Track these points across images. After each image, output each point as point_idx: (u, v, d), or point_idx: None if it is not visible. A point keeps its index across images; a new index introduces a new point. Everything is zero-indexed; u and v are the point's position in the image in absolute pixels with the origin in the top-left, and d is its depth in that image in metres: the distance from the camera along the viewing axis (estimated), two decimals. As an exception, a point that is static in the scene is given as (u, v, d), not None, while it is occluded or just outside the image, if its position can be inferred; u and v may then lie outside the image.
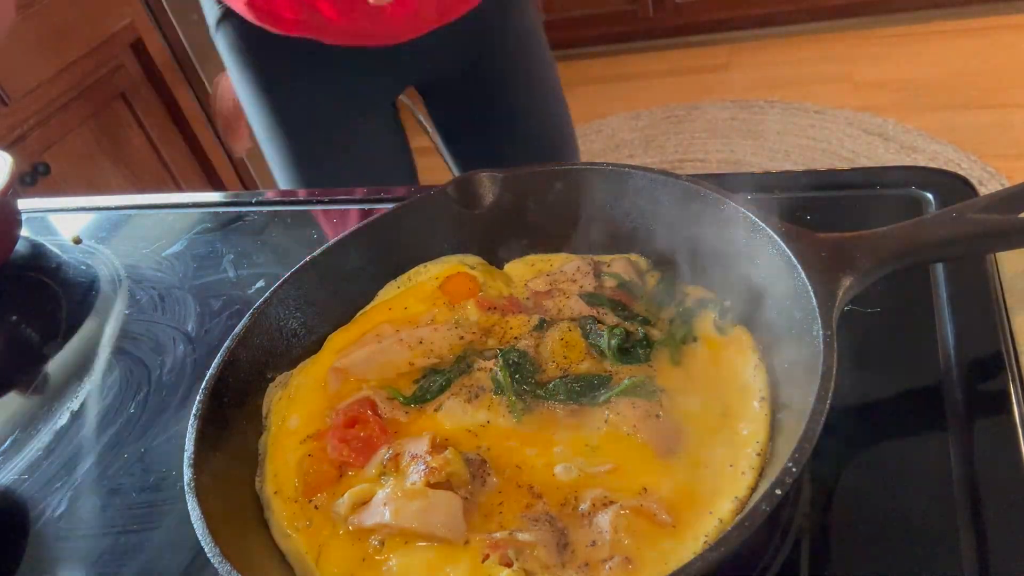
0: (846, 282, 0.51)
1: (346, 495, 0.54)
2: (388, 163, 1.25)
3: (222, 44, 1.14)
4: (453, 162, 1.33)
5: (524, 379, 0.60)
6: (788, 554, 0.49)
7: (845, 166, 2.30)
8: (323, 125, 1.16)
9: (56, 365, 0.86)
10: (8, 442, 0.76)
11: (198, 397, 0.56)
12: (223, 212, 1.02)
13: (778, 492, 0.41)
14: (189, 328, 0.84)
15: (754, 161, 2.64)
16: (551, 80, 1.26)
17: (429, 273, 0.71)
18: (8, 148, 1.08)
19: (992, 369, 0.56)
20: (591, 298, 0.65)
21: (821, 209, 0.73)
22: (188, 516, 0.49)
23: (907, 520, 0.49)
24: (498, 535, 0.49)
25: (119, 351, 0.84)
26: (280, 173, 1.23)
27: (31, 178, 1.92)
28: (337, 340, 0.67)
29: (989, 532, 0.46)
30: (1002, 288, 0.61)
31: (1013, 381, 0.54)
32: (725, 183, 0.60)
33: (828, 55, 3.00)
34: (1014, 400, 0.53)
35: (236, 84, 1.17)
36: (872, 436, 0.54)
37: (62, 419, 0.77)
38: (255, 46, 1.10)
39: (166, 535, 0.62)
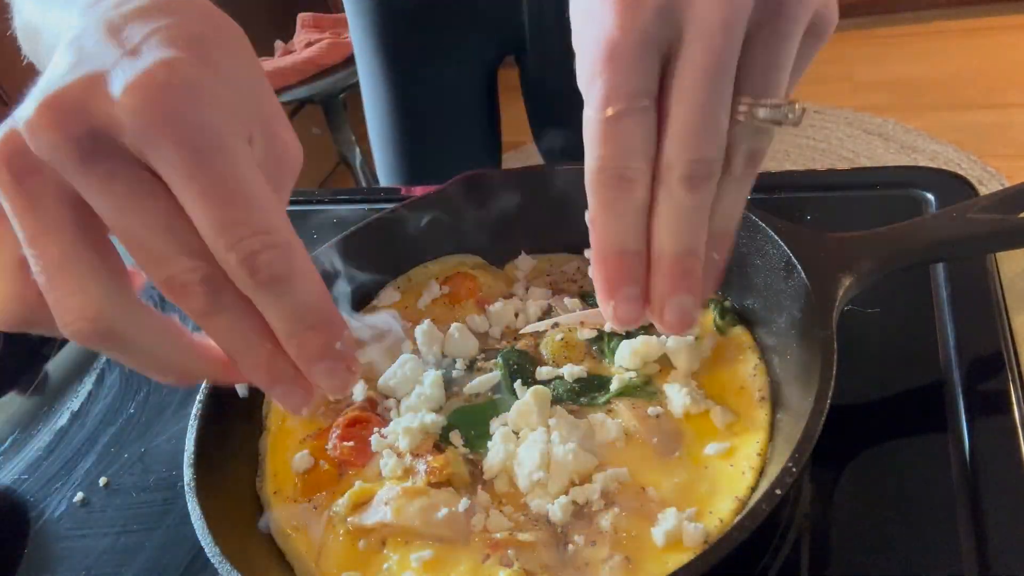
0: (846, 282, 0.51)
1: (346, 495, 0.54)
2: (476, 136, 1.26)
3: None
4: (536, 144, 1.30)
5: (524, 379, 0.60)
6: (788, 554, 0.49)
7: (845, 166, 2.30)
8: (429, 81, 1.17)
9: (56, 365, 0.86)
10: (8, 442, 0.76)
11: (198, 397, 0.56)
12: (223, 212, 1.02)
13: (778, 492, 0.41)
14: (189, 327, 0.84)
15: (754, 161, 2.64)
16: None
17: (429, 273, 0.71)
18: (8, 148, 1.08)
19: (992, 369, 0.56)
20: (591, 298, 0.65)
21: (821, 209, 0.73)
22: (188, 516, 0.49)
23: (907, 520, 0.49)
24: (498, 535, 0.49)
25: (119, 351, 0.84)
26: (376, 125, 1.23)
27: (31, 178, 1.92)
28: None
29: (989, 532, 0.46)
30: (1002, 288, 0.61)
31: (1013, 381, 0.54)
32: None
33: (828, 55, 2.99)
34: (1014, 400, 0.53)
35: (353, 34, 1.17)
36: (872, 436, 0.54)
37: (62, 419, 0.77)
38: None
39: (166, 535, 0.62)
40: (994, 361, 0.56)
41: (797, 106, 0.37)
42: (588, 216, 0.39)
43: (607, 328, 0.61)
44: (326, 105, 2.20)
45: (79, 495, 0.67)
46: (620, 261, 0.39)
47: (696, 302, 0.40)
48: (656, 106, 0.36)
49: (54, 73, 0.32)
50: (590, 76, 0.36)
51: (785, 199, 0.76)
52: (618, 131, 0.36)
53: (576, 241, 0.69)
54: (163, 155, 0.30)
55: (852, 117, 2.67)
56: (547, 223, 0.70)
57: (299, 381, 0.36)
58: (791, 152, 2.62)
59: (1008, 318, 0.59)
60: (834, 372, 0.46)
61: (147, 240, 0.31)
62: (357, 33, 1.17)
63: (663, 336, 0.58)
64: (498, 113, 1.27)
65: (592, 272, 0.41)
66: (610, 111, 0.35)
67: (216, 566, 0.46)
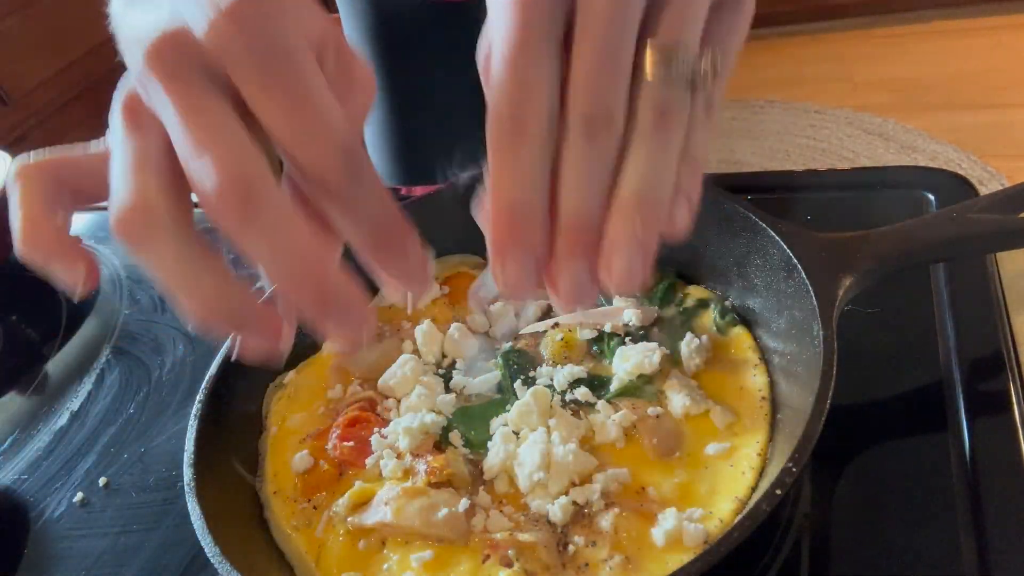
0: (846, 282, 0.51)
1: (346, 495, 0.54)
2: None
3: None
4: None
5: (524, 379, 0.60)
6: (788, 554, 0.49)
7: (845, 166, 2.30)
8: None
9: (56, 365, 0.86)
10: (8, 442, 0.76)
11: (198, 397, 0.56)
12: (223, 212, 1.02)
13: (778, 492, 0.41)
14: (189, 328, 0.84)
15: (754, 161, 2.64)
16: None
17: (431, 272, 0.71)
18: (8, 148, 1.08)
19: (992, 369, 0.56)
20: None
21: (821, 209, 0.73)
22: (188, 516, 0.49)
23: (907, 520, 0.49)
24: (498, 535, 0.49)
25: (119, 351, 0.84)
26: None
27: (31, 178, 1.92)
28: (337, 340, 0.67)
29: (989, 532, 0.46)
30: (1002, 288, 0.61)
31: (1013, 381, 0.54)
32: (725, 183, 0.60)
33: (828, 55, 3.00)
34: (1014, 400, 0.53)
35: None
36: (872, 436, 0.54)
37: (62, 419, 0.77)
38: None
39: (166, 535, 0.62)
40: (994, 361, 0.56)
41: (706, 59, 0.35)
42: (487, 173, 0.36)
43: (607, 328, 0.61)
44: (326, 105, 2.20)
45: (79, 495, 0.67)
46: (512, 215, 0.36)
47: (592, 277, 0.36)
48: (561, 55, 0.35)
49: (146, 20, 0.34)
50: (493, 20, 0.35)
51: (785, 199, 0.76)
52: (518, 67, 0.34)
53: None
54: (239, 63, 0.32)
55: (852, 117, 2.67)
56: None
57: (355, 306, 0.35)
58: (791, 152, 2.62)
59: (1008, 318, 0.59)
60: (835, 372, 0.46)
61: (212, 145, 0.32)
62: (351, 37, 1.17)
63: (660, 346, 0.59)
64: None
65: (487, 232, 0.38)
66: (509, 45, 0.34)
67: (216, 566, 0.46)
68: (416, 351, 0.64)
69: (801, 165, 2.53)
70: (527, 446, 0.53)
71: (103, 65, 2.11)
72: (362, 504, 0.53)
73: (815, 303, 0.50)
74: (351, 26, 1.16)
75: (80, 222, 1.09)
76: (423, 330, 0.64)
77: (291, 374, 0.64)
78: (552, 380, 0.59)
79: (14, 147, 1.91)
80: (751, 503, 0.47)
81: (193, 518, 0.49)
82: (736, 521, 0.44)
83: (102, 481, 0.68)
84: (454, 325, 0.64)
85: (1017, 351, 0.56)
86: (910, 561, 0.47)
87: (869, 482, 0.52)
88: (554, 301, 0.38)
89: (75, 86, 2.05)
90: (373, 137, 1.25)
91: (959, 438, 0.52)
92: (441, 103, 1.19)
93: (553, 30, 0.34)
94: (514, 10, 0.34)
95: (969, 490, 0.49)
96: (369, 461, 0.56)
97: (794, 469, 0.42)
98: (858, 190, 0.75)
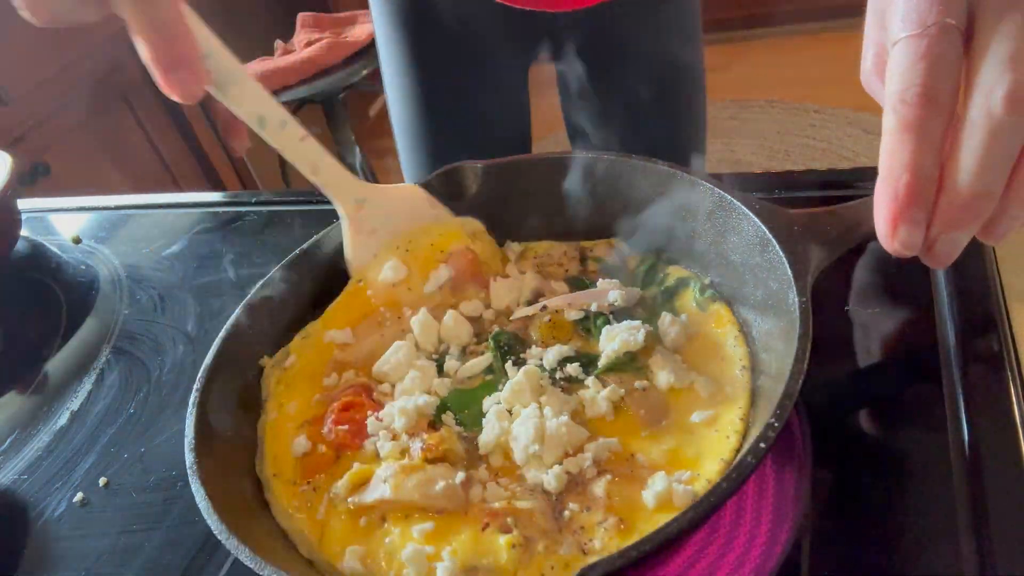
0: (818, 252, 0.52)
1: (345, 476, 0.54)
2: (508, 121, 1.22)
3: None
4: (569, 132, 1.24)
5: (515, 360, 0.60)
6: (788, 554, 0.49)
7: (845, 166, 2.30)
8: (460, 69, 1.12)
9: (56, 365, 0.86)
10: (8, 442, 0.76)
11: (196, 384, 0.56)
12: (223, 212, 1.02)
13: (762, 445, 0.42)
14: (189, 328, 0.84)
15: (754, 161, 2.64)
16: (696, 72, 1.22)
17: (431, 237, 0.70)
18: (8, 148, 1.08)
19: (992, 369, 0.56)
20: (576, 282, 0.67)
21: (821, 209, 0.73)
22: (187, 516, 0.49)
23: (907, 520, 0.49)
24: (496, 504, 0.50)
25: (119, 351, 0.84)
26: (401, 111, 1.18)
27: (31, 178, 1.93)
28: (335, 317, 0.66)
29: (989, 532, 0.46)
30: (1002, 288, 0.61)
31: (1013, 381, 0.54)
32: (725, 183, 0.60)
33: (828, 55, 3.00)
34: (1014, 400, 0.53)
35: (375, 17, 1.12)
36: (872, 435, 0.54)
37: (62, 419, 0.77)
38: None
39: (166, 535, 0.62)
40: (994, 361, 0.56)
41: None
42: (883, 143, 0.40)
43: (593, 308, 0.62)
44: (326, 105, 2.20)
45: (79, 495, 0.67)
46: (916, 182, 0.39)
47: (967, 239, 0.40)
48: (963, 40, 0.38)
49: None
50: (901, 9, 0.39)
51: (785, 199, 0.76)
52: (929, 50, 0.38)
53: (560, 228, 0.70)
54: None
55: (852, 117, 2.67)
56: (531, 211, 0.71)
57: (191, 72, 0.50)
58: (791, 152, 2.62)
59: (1008, 318, 0.59)
60: (811, 335, 0.46)
61: None
62: (386, 42, 1.14)
63: (644, 324, 0.59)
64: (528, 111, 1.23)
65: (876, 198, 0.41)
66: (921, 31, 0.38)
67: (224, 542, 0.45)
68: (415, 340, 0.65)
69: (801, 165, 2.53)
70: (520, 421, 0.54)
71: (103, 65, 2.11)
72: (361, 485, 0.54)
73: (790, 273, 0.51)
74: (385, 31, 1.12)
75: (81, 222, 1.09)
76: (420, 320, 0.64)
77: (288, 349, 0.64)
78: (542, 360, 0.60)
79: (14, 147, 1.91)
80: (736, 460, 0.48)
81: (198, 499, 0.48)
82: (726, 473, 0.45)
83: (102, 481, 0.68)
84: (449, 312, 0.65)
85: (1017, 351, 0.56)
86: (910, 561, 0.47)
87: (869, 482, 0.52)
88: (923, 259, 0.41)
89: (75, 86, 2.04)
90: (402, 135, 1.20)
91: (959, 438, 0.52)
92: (475, 106, 1.16)
93: (959, 13, 0.38)
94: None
95: (969, 489, 0.49)
96: (366, 443, 0.57)
97: (776, 424, 0.42)
98: (858, 189, 0.75)
